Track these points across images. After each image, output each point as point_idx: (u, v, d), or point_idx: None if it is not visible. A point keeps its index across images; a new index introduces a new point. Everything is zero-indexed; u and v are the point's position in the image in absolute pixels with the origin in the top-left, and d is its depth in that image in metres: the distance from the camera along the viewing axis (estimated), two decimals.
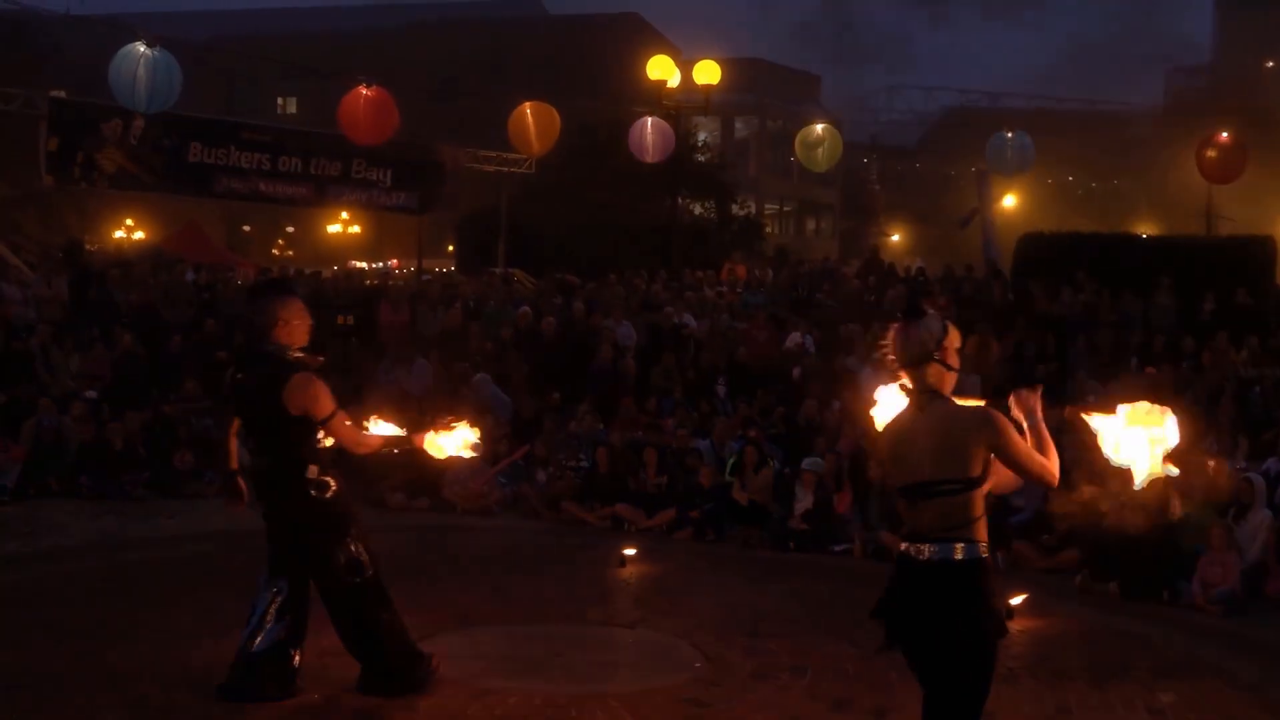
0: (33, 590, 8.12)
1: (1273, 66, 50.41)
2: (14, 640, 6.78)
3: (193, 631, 7.02)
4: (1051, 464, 4.07)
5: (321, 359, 5.93)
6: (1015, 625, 7.90)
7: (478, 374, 13.96)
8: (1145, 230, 34.75)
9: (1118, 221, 37.32)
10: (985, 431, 3.97)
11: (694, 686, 6.44)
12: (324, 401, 5.69)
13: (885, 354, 4.15)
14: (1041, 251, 18.93)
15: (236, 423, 6.04)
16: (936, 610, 3.95)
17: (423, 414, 6.39)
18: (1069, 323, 15.16)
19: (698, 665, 6.83)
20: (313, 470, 5.78)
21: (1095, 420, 4.21)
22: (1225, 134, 19.22)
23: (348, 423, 5.84)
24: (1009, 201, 36.18)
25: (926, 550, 3.97)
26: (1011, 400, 4.16)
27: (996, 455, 3.99)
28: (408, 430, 6.12)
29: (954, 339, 4.12)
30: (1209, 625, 8.36)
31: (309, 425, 5.72)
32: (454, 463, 6.66)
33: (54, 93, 18.56)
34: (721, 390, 14.12)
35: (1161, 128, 48.86)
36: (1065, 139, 41.64)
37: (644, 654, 7.08)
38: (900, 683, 6.54)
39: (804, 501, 10.79)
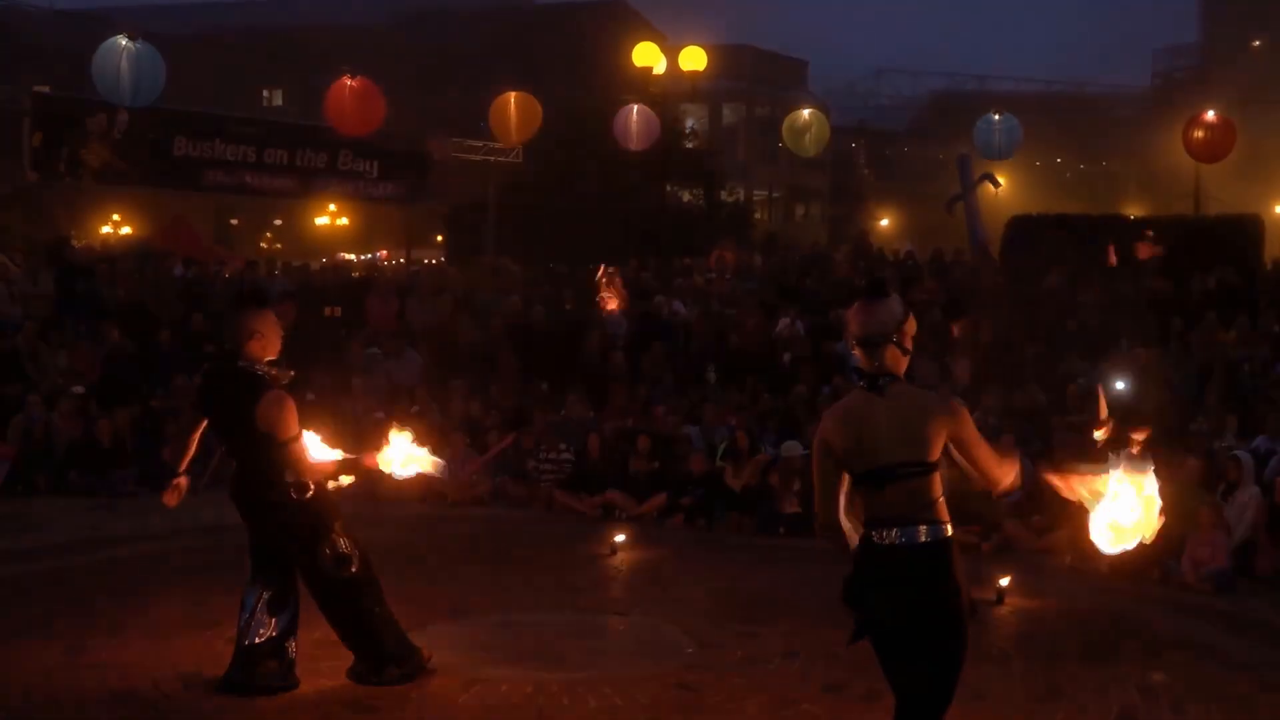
0: (21, 587, 8.09)
1: (1259, 45, 50.40)
2: (2, 637, 6.76)
3: (182, 626, 7.02)
4: (1007, 469, 4.12)
5: (293, 374, 5.93)
6: (1006, 606, 7.99)
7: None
8: (1134, 211, 34.77)
9: (1106, 203, 37.32)
10: (947, 418, 3.97)
11: (686, 672, 6.45)
12: (290, 424, 5.72)
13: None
14: (1030, 233, 18.92)
15: (201, 426, 6.05)
16: (906, 594, 3.90)
17: (376, 424, 6.25)
18: (1058, 304, 15.15)
19: (689, 651, 6.84)
20: (290, 474, 5.78)
21: (1081, 484, 4.26)
22: (1212, 113, 19.17)
23: (306, 449, 5.83)
24: None
25: (891, 534, 3.91)
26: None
27: (954, 444, 3.98)
28: (350, 451, 6.07)
29: (911, 326, 4.12)
30: (1200, 604, 8.38)
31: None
32: (420, 478, 6.52)
33: (37, 88, 18.45)
34: (712, 377, 14.10)
35: (1149, 108, 48.93)
36: (1053, 121, 41.64)
37: (635, 640, 7.09)
38: None
39: (791, 491, 10.72)
